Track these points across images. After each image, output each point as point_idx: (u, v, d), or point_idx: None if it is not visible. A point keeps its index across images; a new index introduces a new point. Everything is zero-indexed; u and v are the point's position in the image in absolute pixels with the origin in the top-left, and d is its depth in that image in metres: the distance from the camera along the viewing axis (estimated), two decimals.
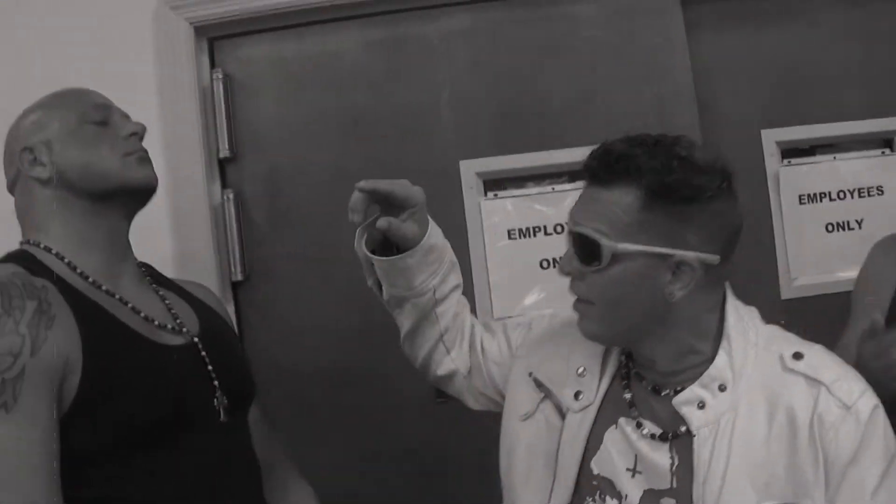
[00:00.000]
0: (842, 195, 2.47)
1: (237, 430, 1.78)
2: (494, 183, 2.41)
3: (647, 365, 1.54)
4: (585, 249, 1.46)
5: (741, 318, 1.53)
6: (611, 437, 1.54)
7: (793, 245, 2.45)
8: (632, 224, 1.43)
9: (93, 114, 1.69)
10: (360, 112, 2.39)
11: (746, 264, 2.33)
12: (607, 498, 1.51)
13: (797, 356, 1.47)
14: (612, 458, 1.52)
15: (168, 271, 1.95)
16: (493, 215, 2.39)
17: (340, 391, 2.40)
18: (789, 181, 2.44)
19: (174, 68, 2.33)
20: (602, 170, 1.46)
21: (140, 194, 1.71)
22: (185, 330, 1.73)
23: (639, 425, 1.51)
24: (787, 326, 2.26)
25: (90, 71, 2.06)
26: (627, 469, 1.50)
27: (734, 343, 1.48)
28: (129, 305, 1.67)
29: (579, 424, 1.55)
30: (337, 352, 2.39)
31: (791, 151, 2.46)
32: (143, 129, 1.73)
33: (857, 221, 2.47)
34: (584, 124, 2.38)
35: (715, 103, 2.44)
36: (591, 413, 1.55)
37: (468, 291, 2.34)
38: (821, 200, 2.46)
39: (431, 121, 2.40)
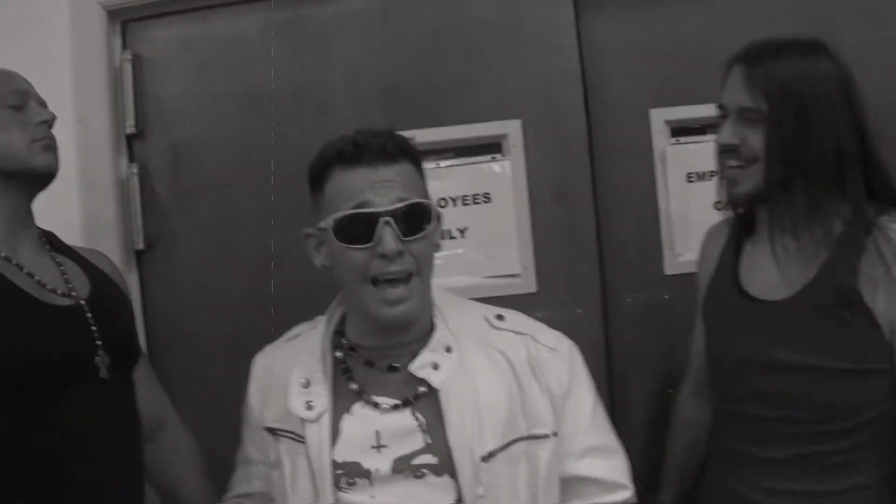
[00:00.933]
0: None
1: (119, 388, 1.88)
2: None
3: (377, 346, 1.71)
4: (416, 217, 1.63)
5: (438, 291, 1.76)
6: (347, 423, 1.67)
7: (678, 222, 2.48)
8: (422, 188, 1.70)
9: (10, 97, 1.80)
10: (260, 90, 2.49)
11: (632, 239, 2.40)
12: (356, 479, 1.64)
13: (499, 318, 1.77)
14: (353, 442, 1.66)
15: (75, 239, 2.09)
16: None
17: (237, 357, 2.44)
18: (677, 159, 2.48)
19: (87, 49, 2.47)
20: (389, 146, 1.65)
21: (41, 178, 1.84)
22: (73, 293, 1.84)
23: (375, 405, 1.67)
24: (671, 301, 2.33)
25: (7, 50, 2.19)
26: (372, 447, 1.65)
27: (445, 310, 1.73)
28: (25, 270, 1.80)
29: (320, 431, 1.66)
30: (234, 319, 2.49)
31: (681, 130, 2.50)
32: (54, 118, 1.84)
33: None
34: (472, 103, 2.46)
35: (604, 83, 2.49)
36: (328, 418, 1.67)
37: None
38: (710, 179, 2.48)
39: (327, 98, 2.49)
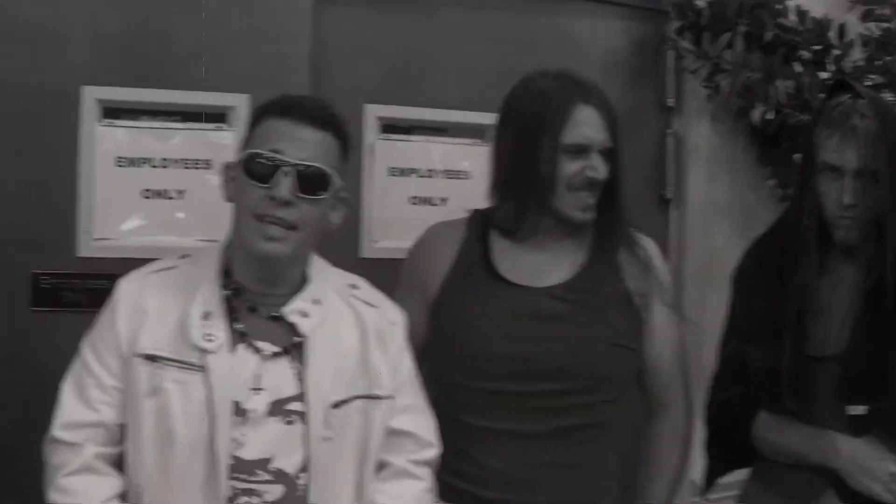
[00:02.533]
0: (430, 173, 2.78)
1: None
2: (112, 112, 2.55)
3: (260, 292, 1.81)
4: (315, 180, 1.74)
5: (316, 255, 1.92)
6: (230, 362, 1.76)
7: (378, 212, 2.74)
8: (336, 164, 1.79)
9: None
10: None
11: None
12: (231, 416, 1.73)
13: (354, 286, 1.94)
14: (234, 382, 1.73)
15: None
16: (105, 142, 2.53)
17: None
18: (383, 154, 2.74)
19: None
20: (318, 113, 1.78)
21: None
22: None
23: (257, 350, 1.77)
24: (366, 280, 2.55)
25: None
26: (251, 389, 1.74)
27: (318, 269, 1.89)
28: None
29: (223, 363, 1.74)
30: None
31: (390, 128, 2.76)
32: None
33: (441, 199, 2.80)
34: (203, 72, 2.57)
35: (328, 73, 2.68)
36: (227, 348, 1.75)
37: (70, 210, 2.51)
38: (410, 175, 2.76)
39: (61, 44, 2.50)
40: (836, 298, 2.05)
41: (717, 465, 2.27)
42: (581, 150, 2.02)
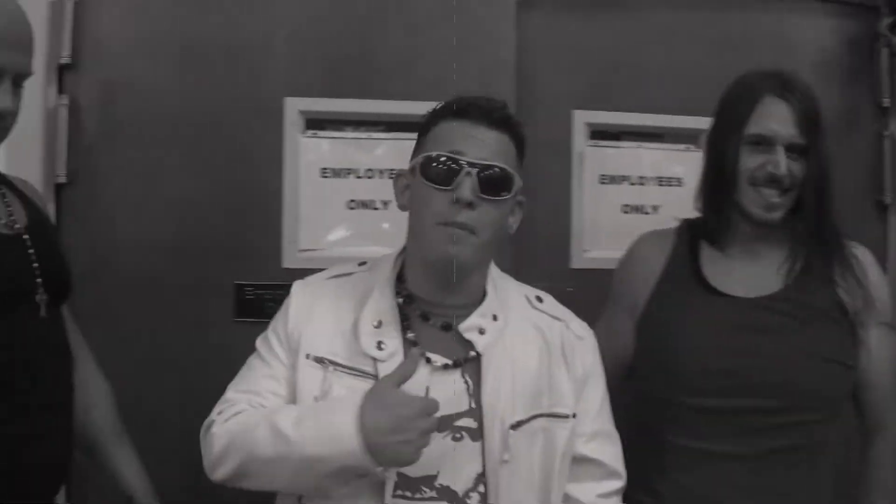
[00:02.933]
0: (641, 181, 2.66)
1: (56, 325, 1.87)
2: (315, 123, 2.54)
3: (435, 301, 1.75)
4: (497, 181, 1.69)
5: (493, 265, 1.83)
6: None
7: (588, 220, 2.63)
8: (515, 165, 1.74)
9: None
10: (198, 38, 2.50)
11: (544, 232, 2.53)
12: None
13: (539, 299, 1.86)
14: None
15: None
16: (309, 153, 2.52)
17: (147, 301, 2.50)
18: (593, 161, 2.63)
19: None
20: (496, 114, 1.72)
21: None
22: (17, 226, 1.81)
23: (428, 360, 1.70)
24: (573, 293, 2.45)
25: None
26: None
27: (497, 282, 1.82)
28: None
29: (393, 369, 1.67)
30: (149, 263, 2.50)
31: (599, 134, 2.65)
32: (10, 112, 1.72)
33: (652, 207, 2.66)
34: (407, 81, 2.54)
35: (535, 79, 2.60)
36: (399, 357, 1.69)
37: (276, 222, 2.50)
38: (621, 183, 2.64)
39: (264, 57, 2.52)
40: None
41: None
42: (763, 143, 1.95)
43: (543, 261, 2.60)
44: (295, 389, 1.72)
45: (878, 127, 2.92)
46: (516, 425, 1.69)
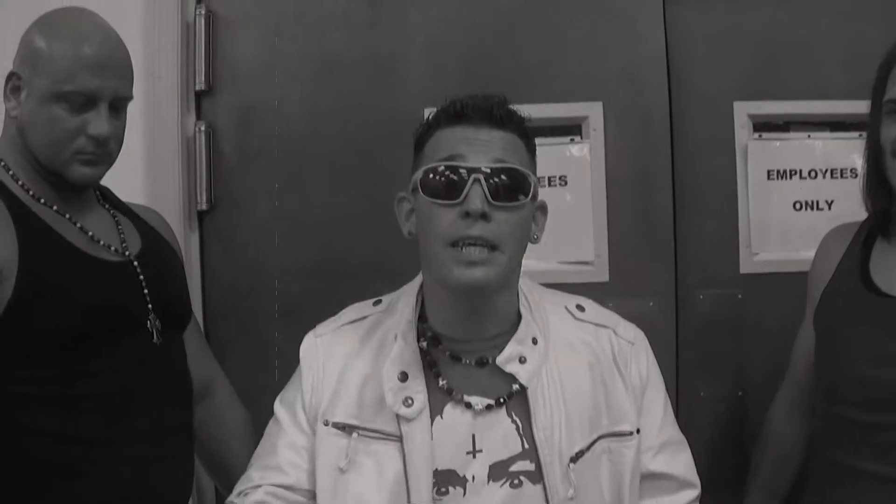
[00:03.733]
0: (813, 174, 2.43)
1: (170, 351, 1.83)
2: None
3: (463, 338, 1.59)
4: (511, 184, 1.51)
5: (526, 281, 1.66)
6: (439, 427, 1.55)
7: (756, 220, 2.41)
8: (529, 166, 1.56)
9: (74, 95, 1.65)
10: (335, 55, 2.43)
11: (708, 235, 2.35)
12: (449, 488, 1.54)
13: (580, 308, 1.69)
14: (447, 449, 1.54)
15: (138, 196, 2.07)
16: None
17: (293, 329, 2.39)
18: (759, 155, 2.41)
19: (160, 3, 2.40)
20: (497, 111, 1.54)
21: (75, 185, 1.74)
22: (127, 252, 1.78)
23: (468, 405, 1.55)
24: (744, 299, 2.27)
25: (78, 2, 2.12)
26: (467, 453, 1.54)
27: (531, 299, 1.64)
28: (78, 225, 1.74)
29: (422, 430, 1.54)
30: (294, 289, 2.43)
31: (764, 126, 2.43)
32: (108, 137, 1.70)
33: (826, 202, 2.42)
34: (553, 83, 2.39)
35: (689, 72, 2.42)
36: (427, 416, 1.55)
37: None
38: (790, 178, 2.42)
39: (403, 69, 2.43)
40: None
41: None
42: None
43: (710, 266, 2.40)
44: (315, 459, 1.59)
45: None
46: (576, 457, 1.54)
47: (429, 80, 2.41)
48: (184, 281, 1.99)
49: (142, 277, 1.77)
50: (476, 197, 1.46)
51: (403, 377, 1.55)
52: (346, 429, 1.57)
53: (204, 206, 2.44)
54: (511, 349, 1.57)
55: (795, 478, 2.06)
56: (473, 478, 1.52)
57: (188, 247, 2.38)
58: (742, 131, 2.41)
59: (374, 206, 2.37)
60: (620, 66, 2.39)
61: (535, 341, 1.59)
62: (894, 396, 1.70)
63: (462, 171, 1.48)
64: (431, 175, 1.51)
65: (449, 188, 1.49)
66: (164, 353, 1.79)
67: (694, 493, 1.69)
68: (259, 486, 1.60)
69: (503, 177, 1.49)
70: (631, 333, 1.70)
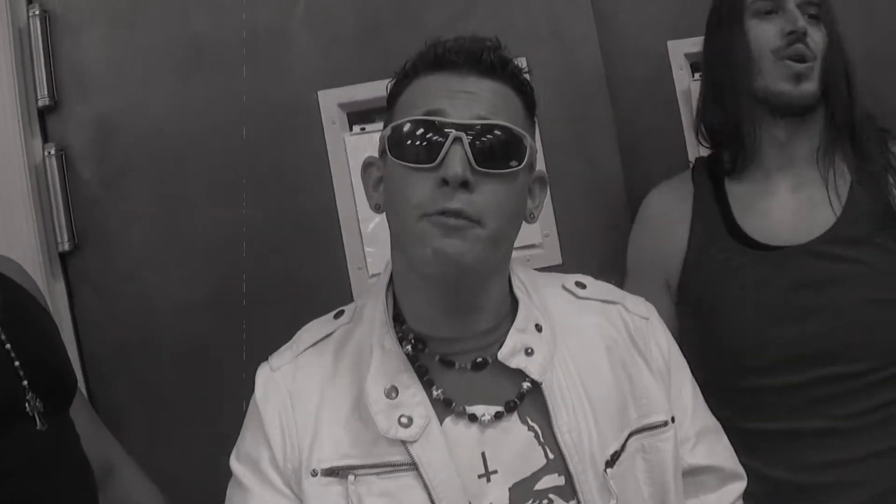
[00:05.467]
0: None
1: (60, 435, 1.44)
2: (361, 115, 2.07)
3: (452, 337, 1.31)
4: (500, 147, 1.23)
5: (517, 263, 1.42)
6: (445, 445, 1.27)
7: None
8: (526, 126, 1.29)
9: None
10: (202, 40, 2.06)
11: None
12: None
13: (580, 285, 1.43)
14: (452, 476, 1.24)
15: None
16: (360, 152, 2.01)
17: (197, 375, 2.02)
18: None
19: None
20: (487, 56, 1.26)
21: None
22: None
23: (472, 418, 1.27)
24: None
25: None
26: (479, 476, 1.25)
27: (525, 281, 1.39)
28: None
29: (436, 447, 1.24)
30: (192, 327, 2.03)
31: None
32: None
33: None
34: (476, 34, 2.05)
35: (615, 12, 2.15)
36: (436, 426, 1.25)
37: (336, 245, 2.02)
38: None
39: (284, 45, 2.07)
40: None
41: None
42: (770, 7, 1.70)
43: None
44: None
45: None
46: (612, 460, 1.28)
47: (316, 57, 2.07)
48: (60, 342, 1.59)
49: (8, 347, 1.39)
50: (456, 160, 1.20)
51: (392, 392, 1.25)
52: (340, 473, 1.25)
53: (66, 247, 2.03)
54: (513, 341, 1.30)
55: None
56: None
57: (53, 298, 1.97)
58: (681, 73, 2.14)
59: (277, 214, 2.03)
60: (540, 16, 2.09)
61: (539, 328, 1.32)
62: (814, 353, 1.63)
63: (440, 126, 1.22)
64: (402, 132, 1.24)
65: (423, 149, 1.22)
66: (53, 439, 1.41)
67: (742, 484, 1.44)
68: None
69: (491, 136, 1.22)
70: (643, 308, 1.44)
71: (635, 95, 2.12)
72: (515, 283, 1.37)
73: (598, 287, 1.45)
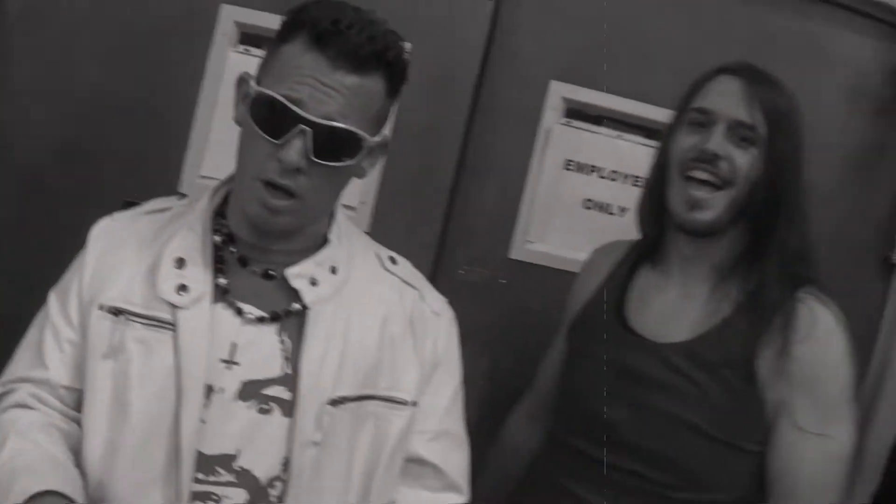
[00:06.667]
0: (613, 176, 2.30)
1: None
2: (250, 38, 2.18)
3: (258, 245, 1.46)
4: (338, 145, 1.36)
5: (342, 210, 1.56)
6: (207, 325, 1.41)
7: (541, 207, 2.28)
8: (377, 114, 1.42)
9: None
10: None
11: (487, 210, 2.22)
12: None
13: (392, 260, 1.58)
14: (203, 348, 1.39)
15: None
16: (237, 70, 2.11)
17: (31, 207, 2.17)
18: (562, 141, 2.27)
19: None
20: (364, 52, 1.35)
21: None
22: None
23: (239, 311, 1.42)
24: (508, 285, 2.12)
25: None
26: (223, 361, 1.40)
27: (344, 231, 1.53)
28: None
29: (197, 322, 1.40)
30: (36, 162, 2.16)
31: (575, 113, 2.28)
32: None
33: (620, 208, 2.30)
34: None
35: (512, 40, 2.25)
36: (207, 304, 1.41)
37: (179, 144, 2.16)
38: (590, 173, 2.29)
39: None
40: None
41: None
42: (704, 123, 1.68)
43: (480, 242, 2.28)
44: (84, 350, 1.42)
45: None
46: (339, 401, 1.41)
47: None
48: None
49: None
50: (295, 150, 1.34)
51: (180, 264, 1.42)
52: (117, 313, 1.41)
53: None
54: (305, 266, 1.46)
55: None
56: (222, 390, 1.38)
57: None
58: (551, 112, 2.26)
59: (141, 95, 2.14)
60: (440, 14, 2.19)
61: (334, 270, 1.48)
62: (618, 437, 1.66)
63: (293, 115, 1.34)
64: (263, 102, 1.36)
65: (274, 126, 1.35)
66: None
67: (459, 499, 1.56)
68: (21, 382, 1.44)
69: (333, 137, 1.35)
70: (439, 305, 1.60)
71: (501, 116, 2.25)
72: (334, 229, 1.52)
73: (407, 270, 1.60)
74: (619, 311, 1.79)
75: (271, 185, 1.36)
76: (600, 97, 2.27)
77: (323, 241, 1.50)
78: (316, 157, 1.34)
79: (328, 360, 1.41)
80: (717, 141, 1.65)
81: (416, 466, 1.52)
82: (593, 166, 2.28)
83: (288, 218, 1.39)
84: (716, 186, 1.65)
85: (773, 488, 1.69)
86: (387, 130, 1.48)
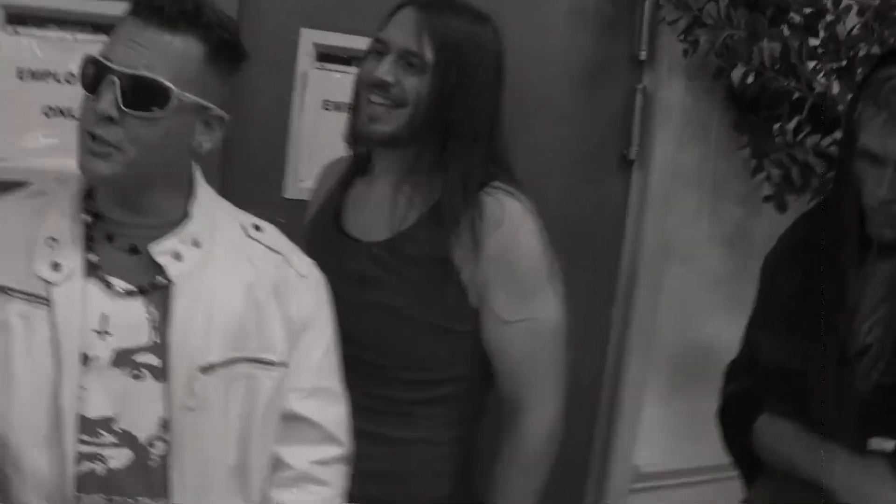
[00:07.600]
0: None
1: None
2: (16, 17, 2.22)
3: (122, 221, 1.59)
4: (143, 95, 1.49)
5: (203, 184, 1.69)
6: (79, 299, 1.54)
7: (307, 148, 2.48)
8: (196, 76, 1.53)
9: None
10: None
11: (259, 157, 2.38)
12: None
13: (257, 228, 1.71)
14: (77, 321, 1.52)
15: None
16: (6, 50, 2.25)
17: None
18: (318, 85, 2.47)
19: None
20: (170, 9, 1.50)
21: None
22: None
23: (108, 285, 1.55)
24: (286, 225, 2.31)
25: None
26: (93, 330, 1.53)
27: (204, 205, 1.66)
28: None
29: (69, 296, 1.53)
30: None
31: (327, 56, 2.48)
32: None
33: None
34: None
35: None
36: (79, 279, 1.54)
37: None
38: (344, 110, 2.45)
39: None
40: (865, 297, 1.75)
41: (739, 466, 2.03)
42: (381, 49, 1.89)
43: (256, 188, 2.46)
44: None
45: (631, 80, 2.82)
46: (208, 368, 1.56)
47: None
48: None
49: None
50: (105, 99, 1.48)
51: (52, 242, 1.55)
52: (3, 290, 1.54)
53: None
54: (168, 243, 1.59)
55: None
56: (98, 357, 1.52)
57: None
58: (305, 59, 2.45)
59: None
60: None
61: (196, 244, 1.61)
62: (344, 334, 1.79)
63: (103, 69, 1.49)
64: (86, 64, 1.52)
65: (91, 82, 1.51)
66: None
67: (339, 450, 1.71)
68: None
69: (137, 85, 1.48)
70: (305, 268, 1.72)
71: (258, 68, 2.31)
72: (194, 202, 1.64)
73: (274, 237, 1.73)
74: (336, 218, 2.01)
75: (90, 135, 1.49)
76: (348, 39, 2.46)
77: (184, 216, 1.62)
78: (125, 106, 1.47)
79: (194, 329, 1.55)
80: (384, 69, 1.85)
81: (293, 423, 1.66)
82: (348, 104, 2.46)
83: (108, 165, 1.50)
84: (389, 106, 1.86)
85: (495, 368, 1.94)
86: (220, 108, 1.60)
